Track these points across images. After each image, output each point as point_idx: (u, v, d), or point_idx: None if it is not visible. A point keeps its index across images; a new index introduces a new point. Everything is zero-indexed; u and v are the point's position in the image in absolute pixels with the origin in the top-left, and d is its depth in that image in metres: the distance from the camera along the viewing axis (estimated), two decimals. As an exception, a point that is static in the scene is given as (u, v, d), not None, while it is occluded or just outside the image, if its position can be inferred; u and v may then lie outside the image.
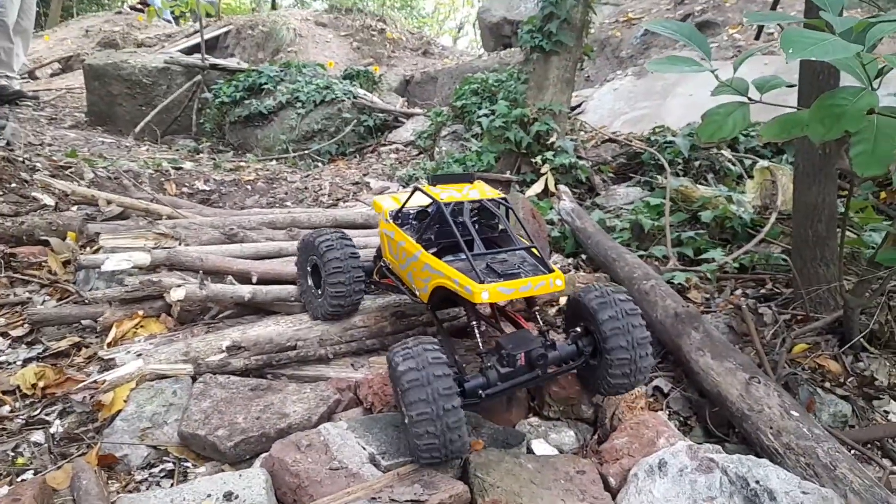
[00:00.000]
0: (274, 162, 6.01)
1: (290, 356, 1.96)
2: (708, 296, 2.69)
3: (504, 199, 1.97)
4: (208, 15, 8.83)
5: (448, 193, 1.92)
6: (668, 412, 1.98)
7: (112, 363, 1.93)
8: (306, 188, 4.93)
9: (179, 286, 2.06)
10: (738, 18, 7.79)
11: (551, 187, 4.16)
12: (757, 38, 5.35)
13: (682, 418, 1.97)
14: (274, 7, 14.77)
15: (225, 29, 10.51)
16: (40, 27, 11.79)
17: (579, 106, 6.68)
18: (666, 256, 3.01)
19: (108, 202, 2.91)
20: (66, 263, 2.67)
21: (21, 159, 4.03)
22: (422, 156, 5.90)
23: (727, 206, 3.30)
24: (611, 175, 4.53)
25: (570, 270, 2.88)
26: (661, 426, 1.74)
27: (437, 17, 21.10)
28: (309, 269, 2.23)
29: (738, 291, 2.69)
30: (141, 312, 2.21)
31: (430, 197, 1.92)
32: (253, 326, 2.11)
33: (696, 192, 3.54)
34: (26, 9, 6.38)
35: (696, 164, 4.16)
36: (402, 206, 2.09)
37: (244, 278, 2.33)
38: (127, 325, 2.16)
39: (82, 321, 2.28)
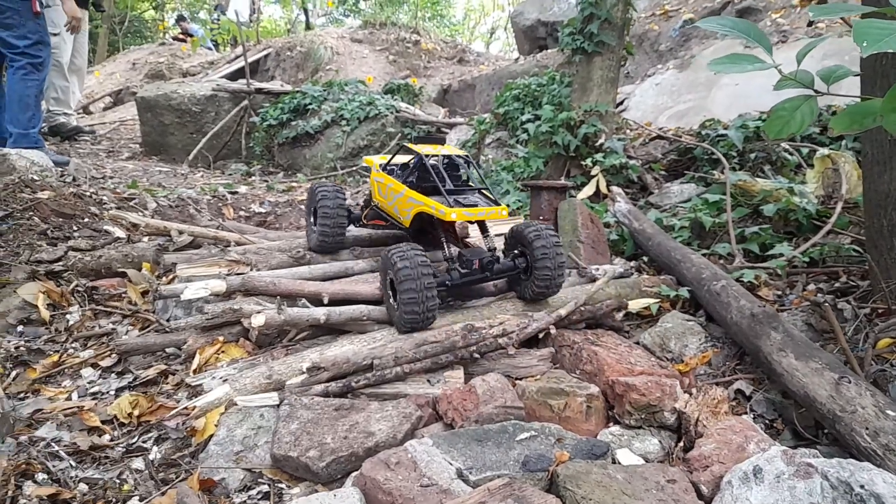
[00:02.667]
0: (324, 180, 6.13)
1: (368, 378, 2.00)
2: (780, 293, 2.63)
3: (467, 155, 2.65)
4: (247, 38, 9.12)
5: (426, 149, 2.57)
6: (752, 415, 1.94)
7: (200, 389, 2.01)
8: (357, 204, 5.01)
9: (259, 312, 2.12)
10: (779, 3, 7.59)
11: (603, 189, 4.13)
12: (810, 24, 5.20)
13: (767, 421, 1.93)
14: (308, 27, 15.07)
15: (265, 52, 10.79)
16: (90, 63, 12.29)
17: (622, 103, 6.61)
18: (731, 254, 2.96)
19: (180, 232, 3.03)
20: (144, 293, 2.79)
21: (89, 194, 4.21)
22: (467, 165, 5.93)
23: (790, 197, 3.22)
24: (662, 172, 4.47)
25: (632, 274, 2.85)
26: (749, 431, 1.71)
27: (467, 24, 21.19)
28: (313, 211, 2.88)
29: (812, 286, 2.62)
30: (221, 338, 2.29)
31: (414, 151, 2.56)
32: (330, 347, 2.16)
33: (755, 186, 3.47)
34: (79, 48, 6.67)
35: (752, 156, 4.07)
36: (390, 161, 2.87)
37: (316, 300, 2.39)
38: (209, 351, 2.24)
39: (166, 349, 2.38)
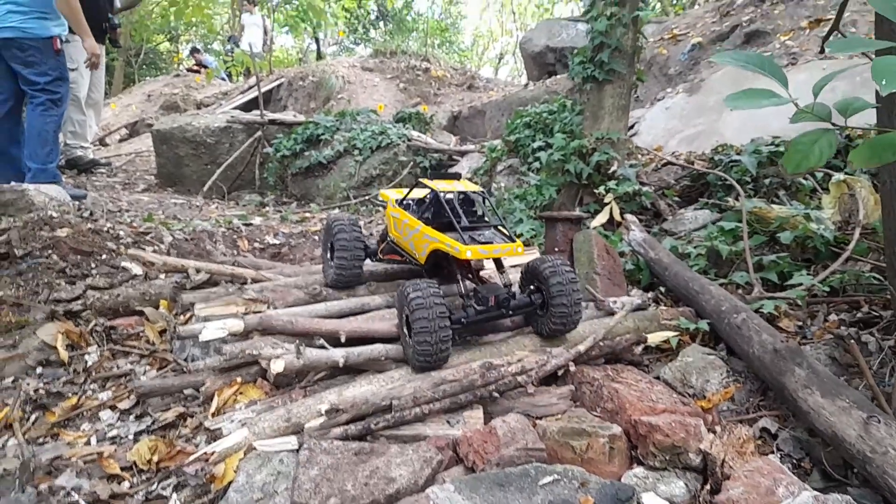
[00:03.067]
0: (337, 210, 6.17)
1: (387, 420, 1.98)
2: (801, 323, 2.59)
3: (483, 190, 2.65)
4: (260, 69, 9.29)
5: (442, 185, 2.57)
6: (779, 455, 1.90)
7: (218, 433, 2.00)
8: (371, 234, 5.03)
9: (278, 357, 2.12)
10: (788, 25, 7.61)
11: (616, 216, 4.12)
12: (821, 51, 5.19)
13: (794, 460, 1.89)
14: (320, 57, 15.30)
15: (277, 82, 10.95)
16: (106, 95, 12.54)
17: (632, 127, 6.62)
18: (749, 283, 2.92)
19: (197, 270, 3.04)
20: (161, 332, 2.80)
21: (106, 229, 4.25)
22: (479, 192, 5.96)
23: (806, 224, 3.19)
24: (675, 199, 4.46)
25: (650, 305, 2.82)
26: (778, 473, 1.68)
27: (476, 50, 21.43)
28: (329, 245, 2.90)
29: (833, 317, 2.59)
30: (239, 379, 2.28)
31: (429, 187, 2.57)
32: (348, 387, 2.15)
33: (771, 213, 3.44)
34: (96, 82, 6.81)
35: (766, 181, 4.05)
36: (406, 196, 2.83)
37: (333, 338, 2.39)
38: (227, 393, 2.24)
39: (184, 390, 2.38)
